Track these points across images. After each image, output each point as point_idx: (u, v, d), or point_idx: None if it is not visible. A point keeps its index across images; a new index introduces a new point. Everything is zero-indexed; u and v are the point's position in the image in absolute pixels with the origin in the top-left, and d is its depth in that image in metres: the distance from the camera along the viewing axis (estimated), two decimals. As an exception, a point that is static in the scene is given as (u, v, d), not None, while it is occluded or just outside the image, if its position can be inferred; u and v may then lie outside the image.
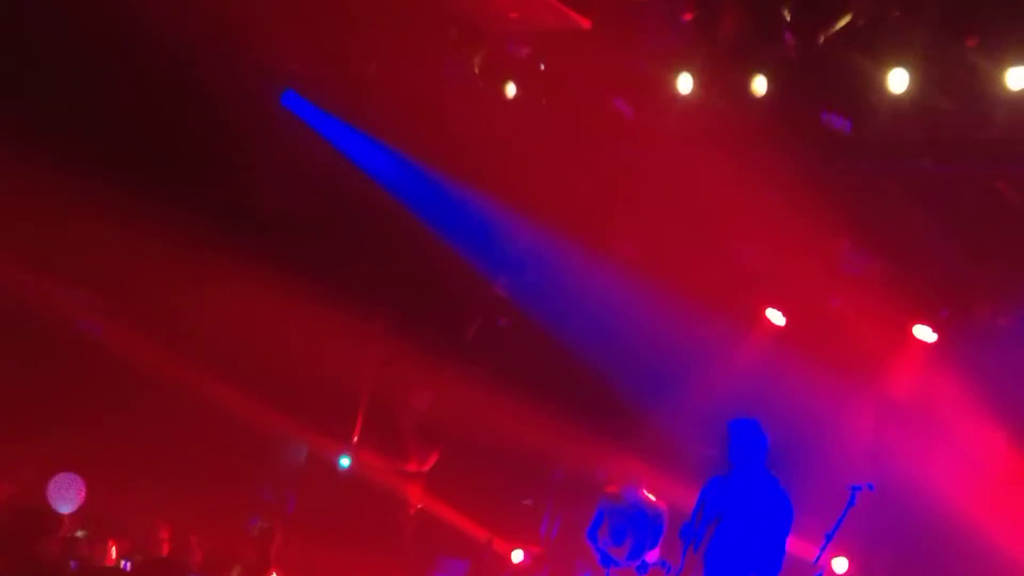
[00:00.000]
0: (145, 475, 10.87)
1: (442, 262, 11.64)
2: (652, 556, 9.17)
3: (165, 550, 9.78)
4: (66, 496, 8.50)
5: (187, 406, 11.18)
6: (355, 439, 12.34)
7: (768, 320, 11.17)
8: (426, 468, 12.25)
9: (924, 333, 10.32)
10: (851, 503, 7.24)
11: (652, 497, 9.44)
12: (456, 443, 11.95)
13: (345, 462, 12.29)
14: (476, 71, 9.55)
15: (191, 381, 10.98)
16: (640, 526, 9.30)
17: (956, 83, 7.94)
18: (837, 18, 7.89)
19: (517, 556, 11.55)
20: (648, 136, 9.53)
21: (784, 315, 11.09)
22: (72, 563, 7.92)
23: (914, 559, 10.27)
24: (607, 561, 9.23)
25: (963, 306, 9.94)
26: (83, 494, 8.62)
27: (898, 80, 8.01)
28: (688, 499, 10.23)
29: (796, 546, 7.34)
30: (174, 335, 10.99)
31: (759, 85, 8.55)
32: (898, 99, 8.11)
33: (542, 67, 9.39)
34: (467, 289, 12.10)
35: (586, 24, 8.69)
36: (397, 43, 9.68)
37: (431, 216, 11.61)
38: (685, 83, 8.86)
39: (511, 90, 9.74)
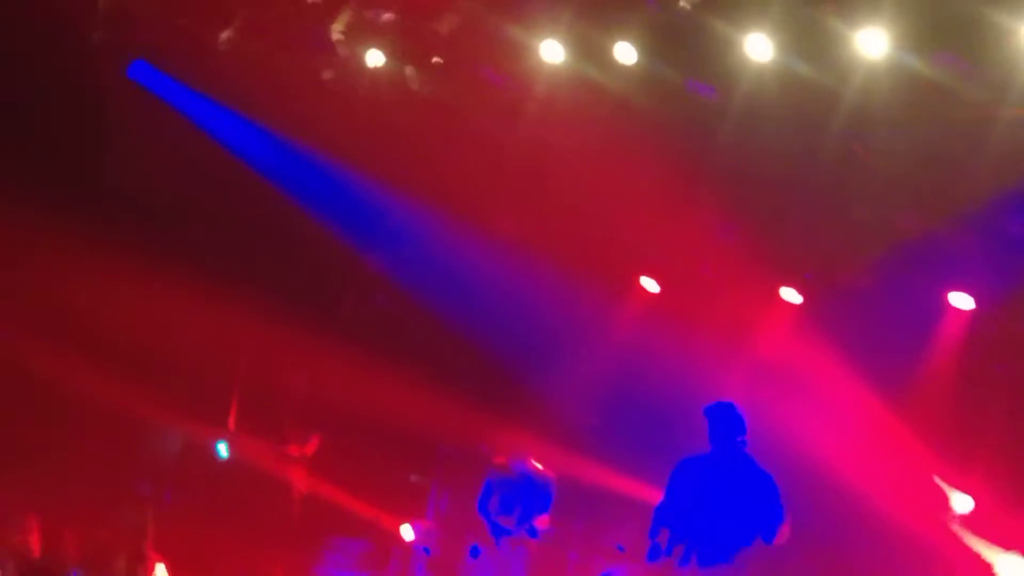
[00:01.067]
0: (10, 470, 10.47)
1: (313, 239, 11.46)
2: (541, 522, 9.28)
3: (36, 546, 9.50)
4: None
5: (54, 396, 10.80)
6: (232, 425, 12.12)
7: (643, 289, 11.36)
8: (308, 451, 12.10)
9: (790, 295, 10.66)
10: None
11: (539, 466, 9.55)
12: (338, 423, 11.84)
13: (223, 449, 12.07)
14: (336, 38, 9.34)
15: (57, 369, 10.59)
16: (529, 495, 9.40)
17: (814, 48, 8.15)
18: None
19: (407, 532, 11.53)
20: (519, 106, 9.54)
21: (658, 283, 11.31)
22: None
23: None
24: (498, 531, 9.30)
25: (826, 268, 10.26)
26: None
27: (758, 46, 8.18)
28: (573, 467, 10.42)
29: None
30: (41, 322, 10.59)
31: (626, 53, 8.64)
32: (760, 65, 8.29)
33: (405, 36, 9.22)
34: (341, 266, 11.96)
35: None
36: (252, 9, 9.39)
37: (300, 192, 11.38)
38: (552, 51, 8.88)
39: (374, 58, 9.54)
